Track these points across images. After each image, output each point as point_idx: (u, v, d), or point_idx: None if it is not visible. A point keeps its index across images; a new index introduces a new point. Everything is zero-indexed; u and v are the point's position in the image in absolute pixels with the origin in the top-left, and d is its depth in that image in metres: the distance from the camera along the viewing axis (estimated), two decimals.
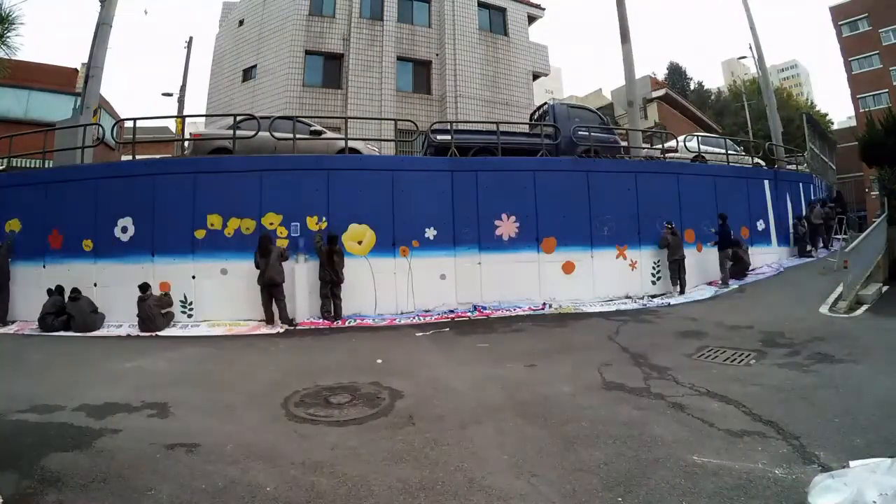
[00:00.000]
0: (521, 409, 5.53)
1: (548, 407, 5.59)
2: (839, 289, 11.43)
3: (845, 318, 9.74)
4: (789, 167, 20.23)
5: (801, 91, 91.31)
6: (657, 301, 12.67)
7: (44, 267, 11.85)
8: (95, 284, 11.55)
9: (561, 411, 5.44)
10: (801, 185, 18.23)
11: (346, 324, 11.13)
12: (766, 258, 15.83)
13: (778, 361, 7.01)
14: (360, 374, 7.14)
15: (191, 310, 11.34)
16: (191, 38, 29.30)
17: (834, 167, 32.86)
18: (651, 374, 6.73)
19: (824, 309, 10.48)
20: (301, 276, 11.35)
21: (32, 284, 11.77)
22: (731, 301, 12.32)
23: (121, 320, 11.10)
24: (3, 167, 15.09)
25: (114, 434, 5.09)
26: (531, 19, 27.48)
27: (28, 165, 17.51)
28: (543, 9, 27.90)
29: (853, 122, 44.54)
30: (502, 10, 26.36)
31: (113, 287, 11.35)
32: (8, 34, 5.11)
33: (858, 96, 41.69)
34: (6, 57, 5.31)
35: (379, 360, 7.92)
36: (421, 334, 10.07)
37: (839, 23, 42.84)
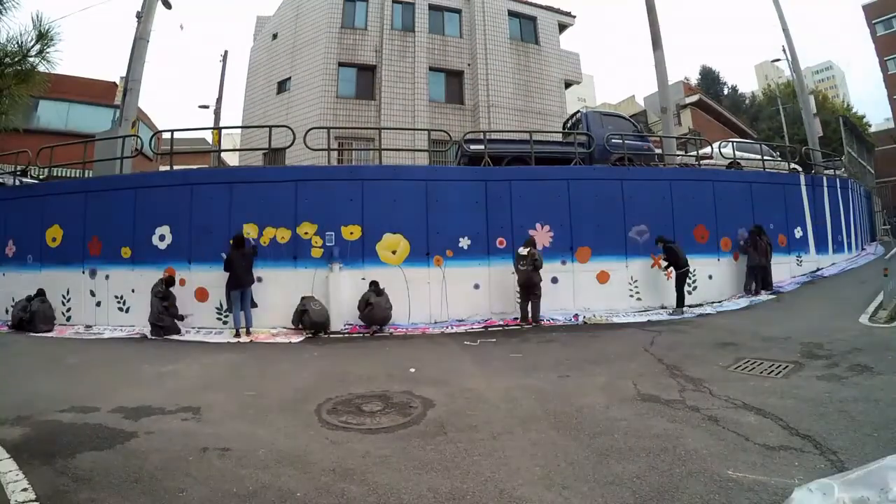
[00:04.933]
0: (554, 421, 5.44)
1: (581, 418, 5.49)
2: (879, 297, 11.10)
3: (886, 328, 9.37)
4: (827, 172, 19.73)
5: (837, 93, 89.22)
6: (693, 311, 12.43)
7: (83, 272, 12.14)
8: (133, 291, 11.80)
9: (594, 423, 5.34)
10: (839, 190, 17.76)
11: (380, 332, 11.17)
12: (805, 266, 15.46)
13: (815, 373, 6.78)
14: (392, 383, 7.12)
15: (226, 317, 11.46)
16: (226, 52, 29.85)
17: (872, 171, 32.05)
18: (686, 385, 6.57)
19: (864, 319, 10.13)
20: (335, 284, 11.41)
21: (73, 290, 12.12)
22: (767, 311, 12.02)
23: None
24: (45, 176, 15.53)
25: (147, 436, 5.15)
26: (562, 27, 27.49)
27: (69, 175, 18.01)
28: (574, 16, 27.89)
29: (891, 124, 43.40)
30: (533, 19, 26.43)
31: (150, 293, 11.58)
32: (47, 49, 5.25)
33: (895, 97, 40.57)
34: (46, 71, 5.46)
35: (412, 369, 7.89)
36: (454, 344, 10.02)
37: (873, 21, 41.77)
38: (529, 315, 11.56)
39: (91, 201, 12.49)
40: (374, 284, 11.26)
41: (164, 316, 10.95)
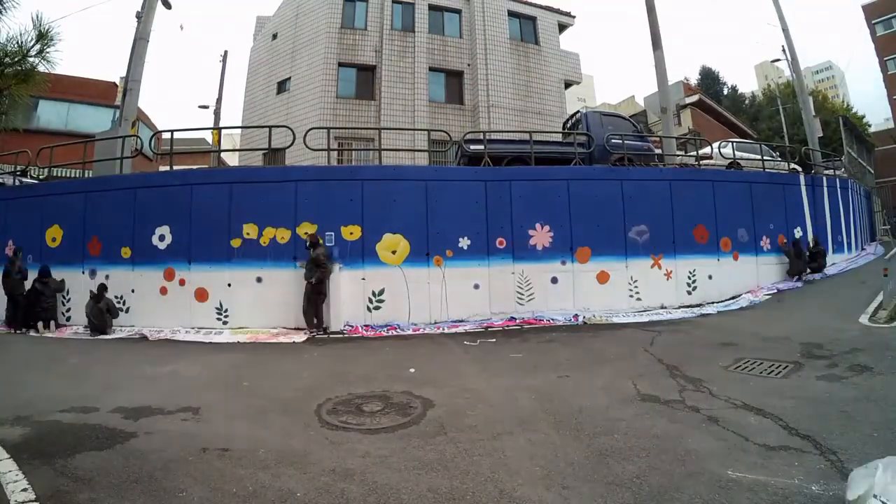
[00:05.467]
0: (554, 421, 5.44)
1: (581, 418, 5.49)
2: (879, 297, 11.11)
3: (886, 328, 9.37)
4: (826, 172, 19.74)
5: (837, 93, 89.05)
6: (693, 311, 12.44)
7: (83, 273, 12.14)
8: (133, 291, 11.81)
9: (594, 423, 5.34)
10: (839, 190, 17.78)
11: (380, 333, 11.16)
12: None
13: (815, 374, 6.78)
14: (392, 383, 7.12)
15: (226, 317, 11.47)
16: (226, 52, 29.84)
17: (872, 171, 32.08)
18: (686, 386, 6.57)
19: (864, 319, 10.14)
20: (335, 284, 11.41)
21: (73, 290, 12.13)
22: (768, 311, 12.04)
23: (157, 324, 11.41)
24: (45, 176, 15.54)
25: (147, 436, 5.15)
26: (561, 27, 27.51)
27: (69, 175, 18.02)
28: (574, 17, 27.89)
29: (891, 124, 43.35)
30: (532, 19, 26.46)
31: (150, 293, 11.60)
32: (47, 49, 5.26)
33: (895, 97, 40.48)
34: (46, 71, 5.46)
35: (412, 370, 7.89)
36: (454, 344, 10.02)
37: (872, 21, 41.65)
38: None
39: (91, 201, 12.48)
40: None
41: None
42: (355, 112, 23.09)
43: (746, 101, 62.95)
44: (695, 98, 35.30)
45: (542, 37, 26.45)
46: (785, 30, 23.08)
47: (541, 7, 26.95)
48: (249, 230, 11.63)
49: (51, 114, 23.22)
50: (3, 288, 11.94)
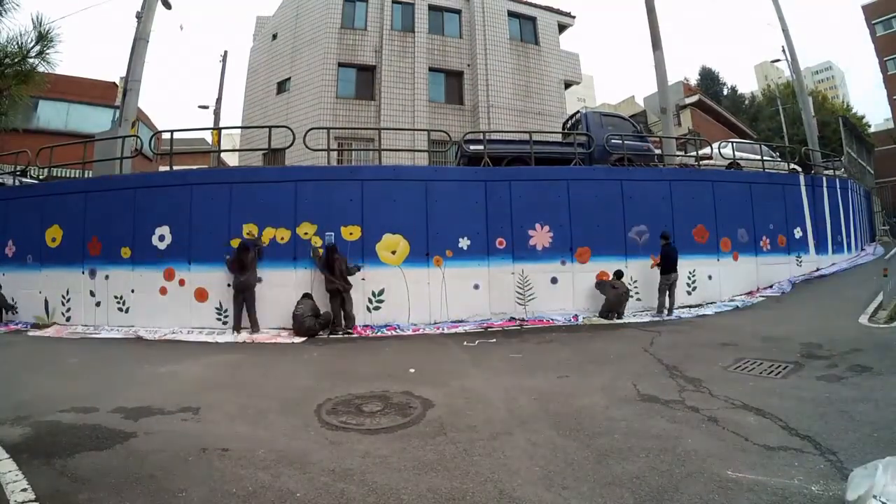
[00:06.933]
0: (554, 421, 5.44)
1: (580, 419, 5.49)
2: (879, 297, 11.11)
3: (885, 329, 9.39)
4: (826, 172, 19.74)
5: (837, 93, 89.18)
6: (692, 312, 12.44)
7: (83, 273, 12.15)
8: (133, 291, 11.81)
9: (593, 423, 5.34)
10: (838, 190, 17.78)
11: (379, 333, 11.17)
12: (804, 267, 15.47)
13: (815, 374, 6.79)
14: (392, 383, 7.12)
15: (226, 317, 11.47)
16: (225, 52, 29.80)
17: (872, 171, 32.11)
18: (686, 386, 6.57)
19: (863, 319, 10.16)
20: None
21: (73, 290, 12.20)
22: (768, 311, 12.04)
23: (156, 325, 11.42)
24: (45, 177, 15.54)
25: (147, 436, 5.15)
26: (561, 28, 27.47)
27: (69, 175, 18.02)
28: (574, 17, 27.84)
29: (891, 124, 43.33)
30: (532, 19, 26.43)
31: (150, 294, 11.61)
32: (47, 51, 5.27)
33: (895, 97, 40.43)
34: (46, 71, 5.46)
35: (411, 370, 7.89)
36: (454, 344, 10.01)
37: (872, 22, 41.55)
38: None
39: (91, 201, 12.49)
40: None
41: None
42: (355, 112, 23.08)
43: (746, 102, 62.94)
44: (695, 98, 35.27)
45: (542, 37, 26.44)
46: (785, 30, 23.07)
47: (541, 7, 26.92)
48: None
49: (51, 114, 23.21)
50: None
